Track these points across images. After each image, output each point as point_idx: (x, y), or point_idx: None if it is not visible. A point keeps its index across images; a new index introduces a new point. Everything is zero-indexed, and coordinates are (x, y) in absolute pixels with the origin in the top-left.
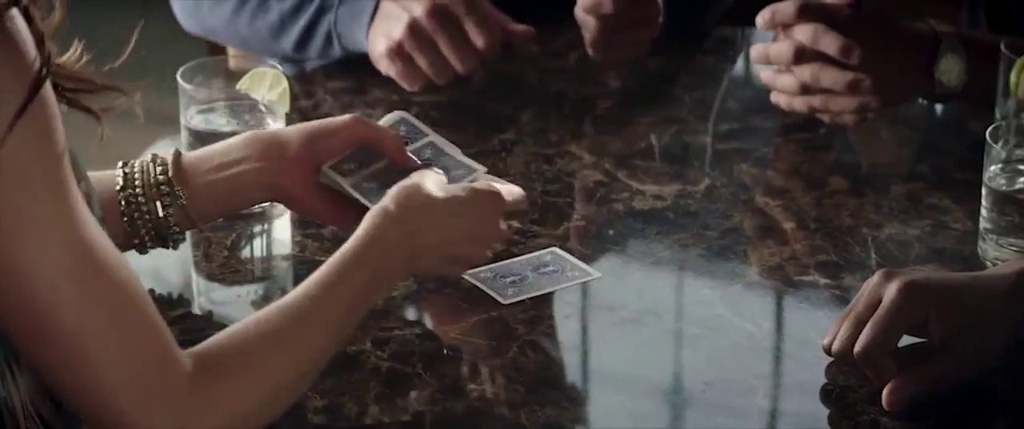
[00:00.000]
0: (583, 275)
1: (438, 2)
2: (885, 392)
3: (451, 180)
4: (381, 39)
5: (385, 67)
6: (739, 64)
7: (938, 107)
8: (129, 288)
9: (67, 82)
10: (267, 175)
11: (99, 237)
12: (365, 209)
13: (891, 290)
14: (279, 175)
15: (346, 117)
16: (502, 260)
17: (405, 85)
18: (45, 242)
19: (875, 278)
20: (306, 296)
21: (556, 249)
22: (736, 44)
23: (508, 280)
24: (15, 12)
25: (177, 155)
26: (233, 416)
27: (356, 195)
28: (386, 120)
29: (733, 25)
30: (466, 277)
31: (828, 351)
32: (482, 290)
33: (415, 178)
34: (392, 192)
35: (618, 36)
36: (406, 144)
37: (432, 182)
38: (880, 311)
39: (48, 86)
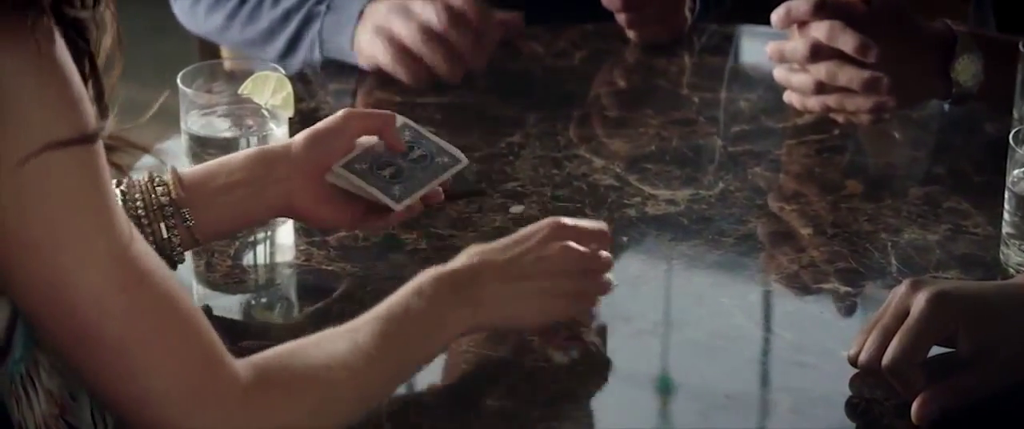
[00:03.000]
0: None
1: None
2: (915, 406)
3: (435, 166)
4: (378, 40)
5: (390, 66)
6: (746, 63)
7: (945, 105)
8: (173, 295)
9: (106, 140)
10: (276, 195)
11: (140, 245)
12: (376, 205)
13: (919, 301)
14: (288, 193)
15: (340, 115)
16: None
17: (412, 82)
18: (90, 253)
19: (902, 288)
20: (370, 331)
21: None
22: (735, 42)
23: None
24: (67, 61)
25: (176, 174)
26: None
27: (373, 191)
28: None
29: (732, 23)
30: None
31: (854, 363)
32: None
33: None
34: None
35: (649, 10)
36: None
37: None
38: (908, 323)
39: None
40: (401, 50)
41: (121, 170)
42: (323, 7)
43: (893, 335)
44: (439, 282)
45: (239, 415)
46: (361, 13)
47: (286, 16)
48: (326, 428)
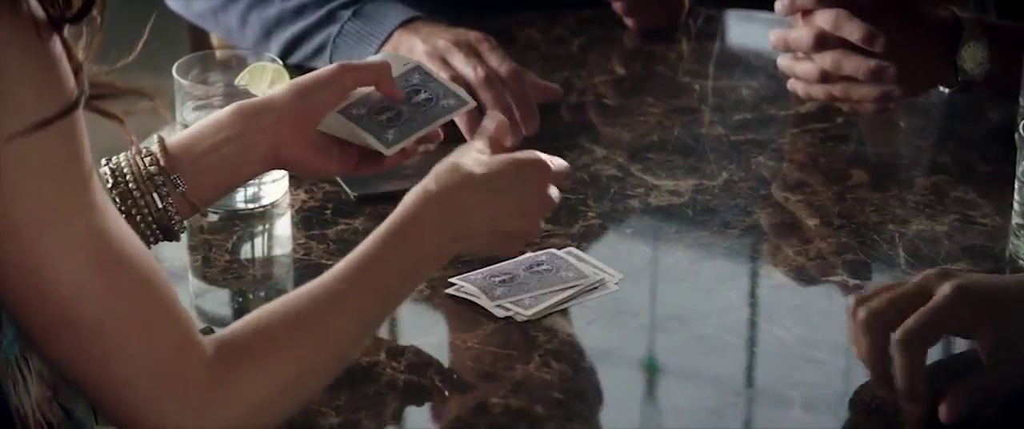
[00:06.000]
0: (577, 276)
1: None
2: (942, 407)
3: (438, 108)
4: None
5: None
6: (747, 50)
7: (945, 91)
8: (151, 277)
9: (91, 89)
10: (264, 147)
11: (120, 226)
12: (370, 150)
13: (944, 289)
14: (276, 143)
15: (333, 67)
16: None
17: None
18: (70, 233)
19: (931, 273)
20: (337, 279)
21: (554, 250)
22: (722, 28)
23: (498, 279)
24: (56, 38)
25: (162, 142)
26: (253, 406)
27: (364, 135)
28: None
29: (729, 7)
30: (456, 281)
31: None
32: (478, 290)
33: (454, 157)
34: (433, 170)
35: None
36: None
37: (472, 158)
38: (930, 305)
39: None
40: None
41: (119, 119)
42: (348, 12)
43: (910, 307)
44: (420, 226)
45: (207, 400)
46: (389, 36)
47: (299, 10)
48: (295, 400)
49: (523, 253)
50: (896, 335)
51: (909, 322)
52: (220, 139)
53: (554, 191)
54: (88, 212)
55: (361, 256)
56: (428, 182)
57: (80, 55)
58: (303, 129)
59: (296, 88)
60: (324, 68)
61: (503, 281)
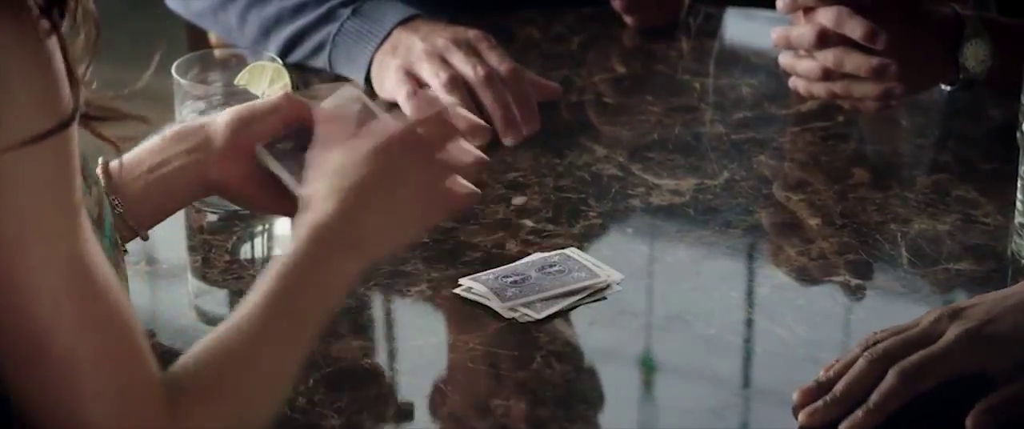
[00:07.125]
0: (590, 276)
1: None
2: (969, 422)
3: None
4: (404, 85)
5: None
6: (748, 48)
7: (946, 89)
8: (123, 313)
9: (93, 111)
10: (196, 171)
11: (99, 256)
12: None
13: (951, 334)
14: (210, 169)
15: (277, 96)
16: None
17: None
18: (50, 256)
19: (942, 315)
20: (258, 312)
21: (566, 251)
22: (721, 25)
23: (510, 280)
24: (53, 46)
25: (105, 164)
26: None
27: (284, 177)
28: (337, 98)
29: (728, 5)
30: (466, 282)
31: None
32: (490, 292)
33: (319, 148)
34: (309, 180)
35: None
36: None
37: (341, 146)
38: (938, 349)
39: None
40: (425, 101)
41: (114, 145)
42: (347, 10)
43: (914, 346)
44: (318, 239)
45: None
46: (388, 35)
47: (298, 8)
48: (255, 422)
49: (513, 253)
50: (896, 367)
51: (914, 358)
52: (156, 162)
53: (469, 148)
54: (72, 238)
55: (272, 286)
56: (308, 194)
57: (80, 56)
58: (237, 158)
59: (236, 114)
60: (270, 97)
61: (515, 282)
